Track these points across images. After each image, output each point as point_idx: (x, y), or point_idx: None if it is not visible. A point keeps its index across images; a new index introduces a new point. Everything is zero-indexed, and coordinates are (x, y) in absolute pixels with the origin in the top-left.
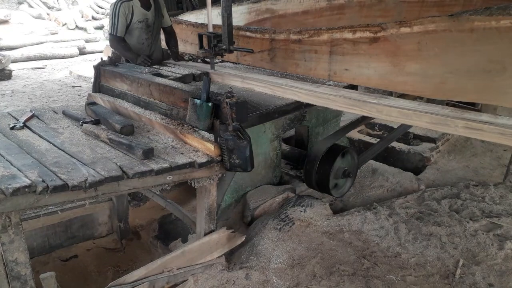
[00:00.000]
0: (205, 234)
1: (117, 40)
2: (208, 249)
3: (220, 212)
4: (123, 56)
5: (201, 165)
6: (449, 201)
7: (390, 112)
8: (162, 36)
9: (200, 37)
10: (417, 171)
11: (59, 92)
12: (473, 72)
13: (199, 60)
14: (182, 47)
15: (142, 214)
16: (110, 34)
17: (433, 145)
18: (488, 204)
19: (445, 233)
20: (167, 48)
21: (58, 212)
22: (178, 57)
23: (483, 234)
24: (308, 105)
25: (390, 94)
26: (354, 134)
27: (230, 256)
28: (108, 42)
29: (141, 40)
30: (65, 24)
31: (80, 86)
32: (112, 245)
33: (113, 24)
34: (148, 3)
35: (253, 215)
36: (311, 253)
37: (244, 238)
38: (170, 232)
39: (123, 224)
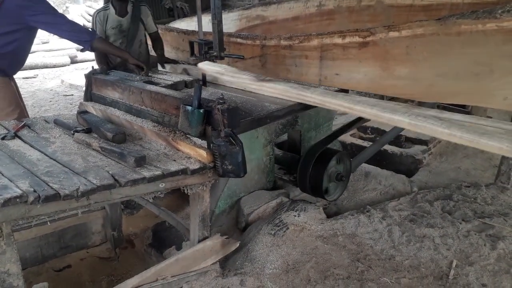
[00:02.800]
0: (199, 241)
1: None
2: (202, 256)
3: (214, 219)
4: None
5: (194, 172)
6: (442, 203)
7: None
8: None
9: (191, 44)
10: (409, 173)
11: (50, 101)
12: (461, 75)
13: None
14: (173, 55)
15: (135, 222)
16: None
17: (425, 147)
18: (480, 205)
19: (438, 235)
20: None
21: (48, 223)
22: (163, 59)
23: (475, 234)
24: (300, 110)
25: (382, 97)
26: (347, 137)
27: (225, 263)
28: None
29: (116, 44)
30: None
31: (72, 95)
32: (106, 254)
33: None
34: (123, 11)
35: (247, 221)
36: (305, 257)
37: (238, 244)
38: (164, 240)
39: (116, 232)
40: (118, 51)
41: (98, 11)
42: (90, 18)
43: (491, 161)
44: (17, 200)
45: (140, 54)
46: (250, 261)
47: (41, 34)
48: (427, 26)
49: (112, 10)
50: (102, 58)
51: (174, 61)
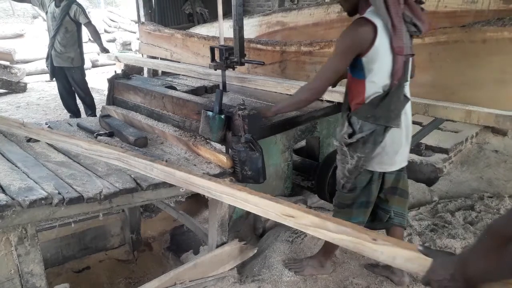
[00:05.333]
0: (217, 246)
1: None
2: (220, 261)
3: (231, 224)
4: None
5: (214, 177)
6: (463, 213)
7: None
8: None
9: (212, 50)
10: (429, 182)
11: None
12: (485, 83)
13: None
14: (193, 60)
15: (154, 226)
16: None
17: (445, 156)
18: None
19: (460, 246)
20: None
21: (72, 224)
22: (102, 49)
23: None
24: (319, 116)
25: None
26: None
27: (242, 269)
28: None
29: (49, 24)
30: None
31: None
32: (124, 256)
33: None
34: (58, 3)
35: (264, 227)
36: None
37: (256, 251)
38: (181, 244)
39: (135, 235)
40: None
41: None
42: (112, 23)
43: None
44: (42, 201)
45: (64, 37)
46: (267, 268)
47: None
48: (451, 33)
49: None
50: None
51: (108, 51)
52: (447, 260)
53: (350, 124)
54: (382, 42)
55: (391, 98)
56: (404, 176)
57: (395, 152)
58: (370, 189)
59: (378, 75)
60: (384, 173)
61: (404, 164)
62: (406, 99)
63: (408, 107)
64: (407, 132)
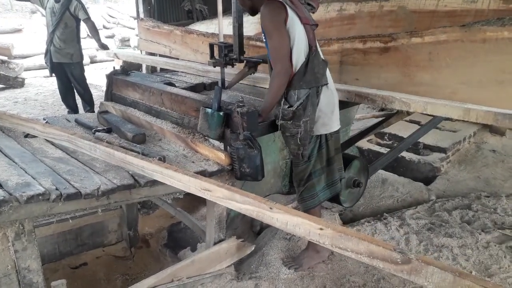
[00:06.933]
0: (215, 243)
1: None
2: (218, 258)
3: (229, 221)
4: None
5: (212, 174)
6: (461, 212)
7: None
8: None
9: (211, 46)
10: (427, 181)
11: None
12: (485, 83)
13: None
14: (192, 57)
15: (151, 222)
16: None
17: (443, 155)
18: (500, 215)
19: (457, 245)
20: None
21: (70, 220)
22: (100, 45)
23: (495, 246)
24: None
25: None
26: (364, 143)
27: (239, 266)
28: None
29: (48, 19)
30: None
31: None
32: (121, 253)
33: None
34: None
35: (262, 225)
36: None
37: (253, 248)
38: (179, 241)
39: (132, 232)
40: None
41: None
42: (111, 19)
43: None
44: (40, 197)
45: (63, 33)
46: (265, 265)
47: None
48: (451, 33)
49: None
50: None
51: (107, 47)
52: None
53: (286, 100)
54: (292, 14)
55: (313, 61)
56: (339, 137)
57: (331, 112)
58: (322, 153)
59: (298, 44)
60: (327, 137)
61: (339, 126)
62: (325, 61)
63: (328, 71)
64: (335, 94)
